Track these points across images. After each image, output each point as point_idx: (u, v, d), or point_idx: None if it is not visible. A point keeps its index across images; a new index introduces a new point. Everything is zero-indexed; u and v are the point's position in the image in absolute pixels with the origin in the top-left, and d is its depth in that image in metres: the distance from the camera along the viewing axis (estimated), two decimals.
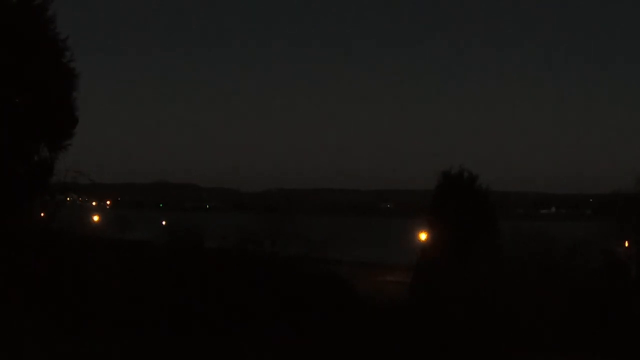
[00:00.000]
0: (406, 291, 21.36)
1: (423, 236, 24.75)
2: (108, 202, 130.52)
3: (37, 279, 17.65)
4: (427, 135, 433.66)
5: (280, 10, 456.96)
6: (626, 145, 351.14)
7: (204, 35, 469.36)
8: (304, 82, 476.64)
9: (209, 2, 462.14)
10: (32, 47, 19.14)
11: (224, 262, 19.20)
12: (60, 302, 16.98)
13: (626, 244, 21.51)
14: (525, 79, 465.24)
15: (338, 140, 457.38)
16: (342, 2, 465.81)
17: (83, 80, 20.79)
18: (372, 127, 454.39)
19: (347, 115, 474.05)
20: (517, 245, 20.56)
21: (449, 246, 19.98)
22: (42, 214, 23.16)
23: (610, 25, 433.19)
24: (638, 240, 21.01)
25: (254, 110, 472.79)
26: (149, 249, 21.79)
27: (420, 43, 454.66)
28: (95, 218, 54.52)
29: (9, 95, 19.23)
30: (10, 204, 19.29)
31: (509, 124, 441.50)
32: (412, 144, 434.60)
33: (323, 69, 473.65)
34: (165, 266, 18.74)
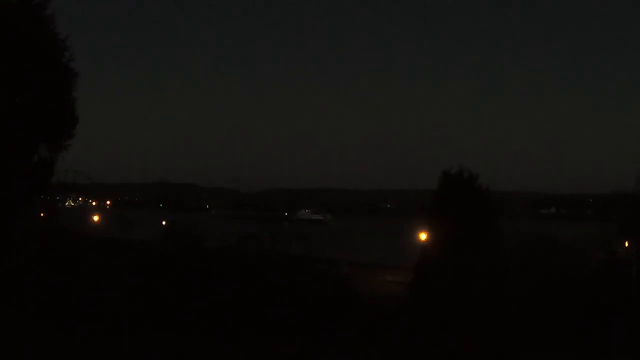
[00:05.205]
0: (406, 291, 21.35)
1: (423, 236, 24.75)
2: (108, 202, 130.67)
3: (36, 279, 17.64)
4: (427, 135, 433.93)
5: (281, 11, 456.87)
6: (626, 145, 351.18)
7: (204, 36, 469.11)
8: (304, 82, 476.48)
9: (209, 3, 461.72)
10: (32, 47, 19.14)
11: (224, 261, 19.19)
12: (60, 302, 16.97)
13: (626, 244, 21.49)
14: (525, 79, 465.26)
15: (338, 140, 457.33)
16: (343, 2, 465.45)
17: (83, 80, 20.81)
18: (372, 127, 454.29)
19: (347, 115, 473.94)
20: (518, 245, 20.57)
21: (450, 246, 19.96)
22: (42, 214, 23.17)
23: (611, 25, 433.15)
24: (638, 240, 20.98)
25: (254, 110, 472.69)
26: (149, 249, 21.77)
27: (420, 43, 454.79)
28: (95, 218, 54.62)
29: (8, 95, 19.22)
30: (10, 204, 19.28)
31: (509, 124, 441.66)
32: (412, 144, 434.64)
33: (323, 70, 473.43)
34: (165, 266, 18.73)
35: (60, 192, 22.29)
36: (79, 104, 20.89)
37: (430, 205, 22.25)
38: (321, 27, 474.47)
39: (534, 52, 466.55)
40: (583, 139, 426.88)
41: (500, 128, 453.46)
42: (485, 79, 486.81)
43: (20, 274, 17.63)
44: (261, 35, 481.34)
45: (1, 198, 18.83)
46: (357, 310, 18.73)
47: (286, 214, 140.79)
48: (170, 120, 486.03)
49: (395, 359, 15.86)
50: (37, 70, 19.28)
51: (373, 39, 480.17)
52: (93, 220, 53.05)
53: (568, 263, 19.77)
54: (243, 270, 18.55)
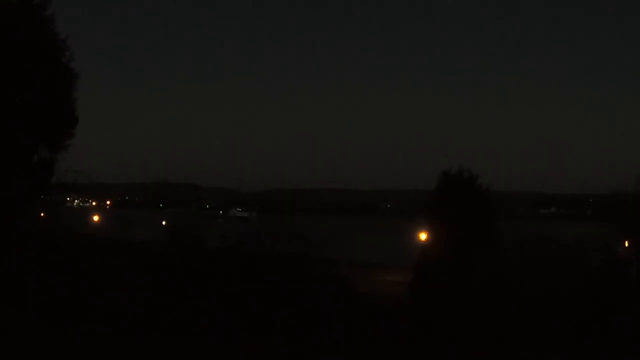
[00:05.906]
0: (406, 291, 21.32)
1: (423, 236, 24.72)
2: (108, 202, 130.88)
3: (36, 279, 17.64)
4: (427, 135, 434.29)
5: (281, 12, 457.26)
6: (626, 145, 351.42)
7: (204, 36, 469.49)
8: (304, 82, 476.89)
9: (211, 3, 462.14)
10: (32, 47, 19.14)
11: (224, 261, 19.19)
12: (60, 302, 16.97)
13: (626, 244, 21.45)
14: (525, 79, 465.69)
15: (338, 140, 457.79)
16: (344, 2, 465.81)
17: (83, 80, 20.80)
18: (372, 127, 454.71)
19: (347, 115, 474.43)
20: (517, 246, 20.55)
21: (450, 246, 19.93)
22: (42, 214, 23.18)
23: (610, 26, 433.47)
24: (638, 240, 20.95)
25: (254, 110, 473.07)
26: (149, 249, 21.78)
27: (421, 44, 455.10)
28: (95, 218, 54.60)
29: (9, 96, 19.22)
30: (10, 204, 19.28)
31: (509, 124, 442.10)
32: (412, 144, 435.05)
33: (323, 70, 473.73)
34: (165, 266, 18.73)
35: (60, 192, 22.26)
36: (79, 104, 20.91)
37: (430, 206, 22.18)
38: (322, 27, 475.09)
39: (535, 52, 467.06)
40: (583, 139, 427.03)
41: (500, 128, 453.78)
42: (485, 79, 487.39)
43: (20, 274, 17.63)
44: (262, 35, 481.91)
45: (1, 198, 18.83)
46: (357, 310, 18.73)
47: (221, 212, 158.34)
48: (170, 120, 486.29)
49: (395, 358, 15.87)
50: (37, 70, 19.27)
51: (373, 39, 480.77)
52: (93, 220, 53.02)
53: (568, 263, 19.76)
54: (242, 271, 18.56)
